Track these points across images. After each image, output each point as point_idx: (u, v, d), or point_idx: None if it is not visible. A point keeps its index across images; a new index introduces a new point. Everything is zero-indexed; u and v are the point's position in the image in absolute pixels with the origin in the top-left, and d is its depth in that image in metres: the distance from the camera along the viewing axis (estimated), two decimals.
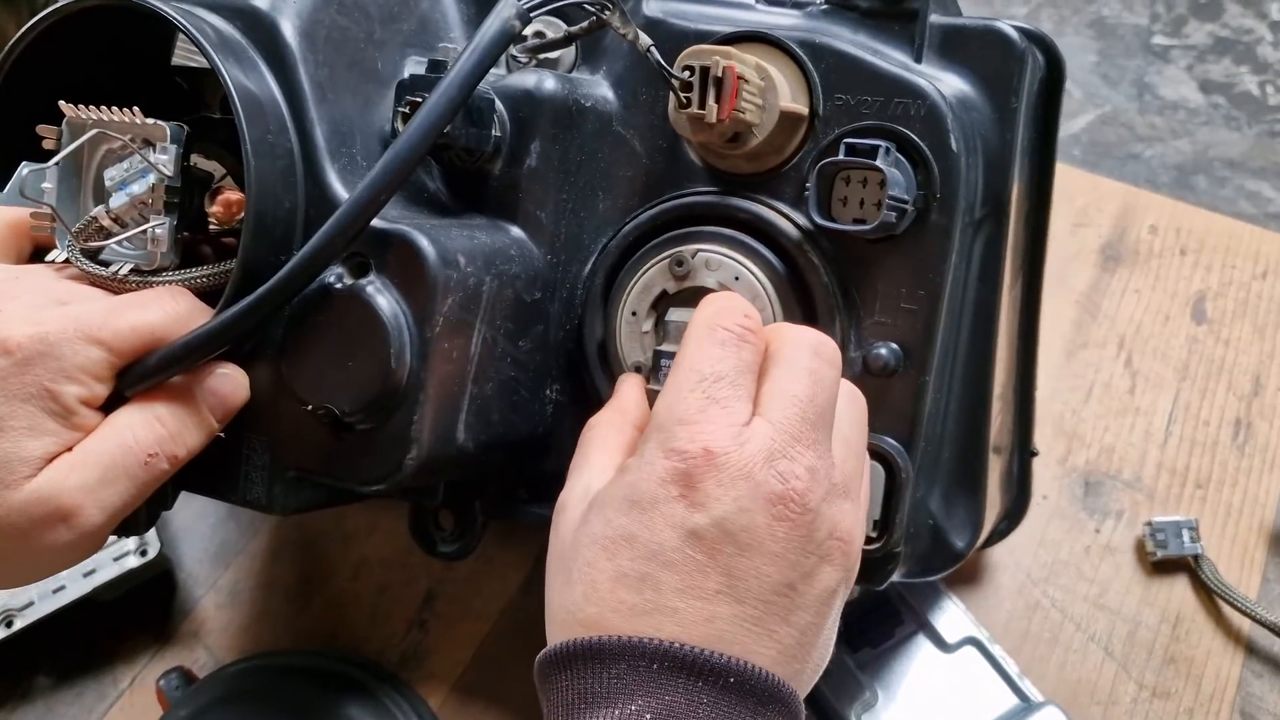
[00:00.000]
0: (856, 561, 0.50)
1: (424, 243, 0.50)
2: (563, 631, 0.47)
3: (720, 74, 0.52)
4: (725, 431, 0.47)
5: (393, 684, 0.76)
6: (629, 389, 0.56)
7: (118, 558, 0.78)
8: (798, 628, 0.47)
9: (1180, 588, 0.78)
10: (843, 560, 0.48)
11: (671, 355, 0.55)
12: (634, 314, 0.58)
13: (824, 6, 0.59)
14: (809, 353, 0.50)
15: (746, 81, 0.53)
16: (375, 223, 0.50)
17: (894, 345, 0.56)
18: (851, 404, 0.52)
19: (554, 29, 0.61)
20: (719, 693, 0.43)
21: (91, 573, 0.77)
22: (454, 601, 0.80)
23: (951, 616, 0.75)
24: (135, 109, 0.52)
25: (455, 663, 0.78)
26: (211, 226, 0.58)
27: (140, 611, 0.81)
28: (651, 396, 0.53)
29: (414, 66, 0.59)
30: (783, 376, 0.49)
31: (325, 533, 0.83)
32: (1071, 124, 1.00)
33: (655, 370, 0.56)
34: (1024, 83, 0.57)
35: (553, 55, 0.62)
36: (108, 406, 0.50)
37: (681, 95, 0.53)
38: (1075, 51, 1.04)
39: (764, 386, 0.49)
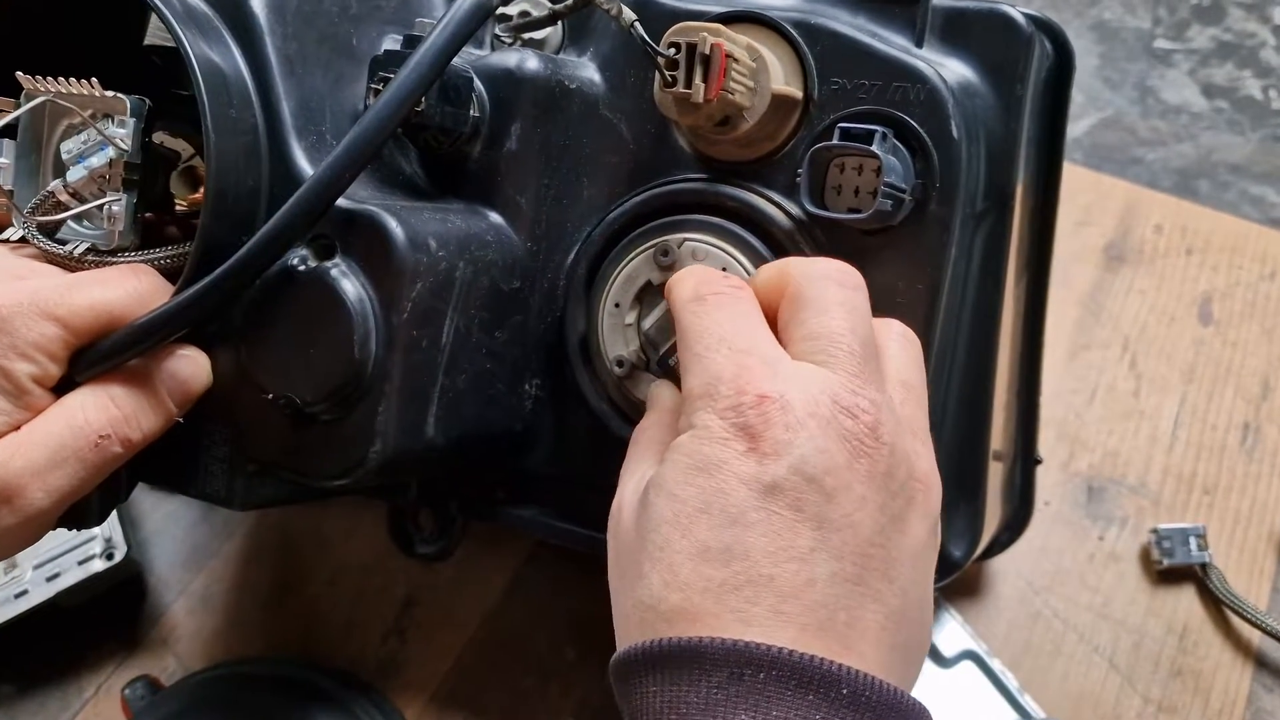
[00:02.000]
0: (939, 514, 0.46)
1: (392, 224, 0.48)
2: (642, 630, 0.43)
3: (708, 51, 0.49)
4: (774, 376, 0.43)
5: (367, 694, 0.74)
6: (665, 392, 0.52)
7: (83, 561, 0.75)
8: (900, 586, 0.43)
9: (1187, 597, 0.76)
10: (926, 507, 0.44)
11: (657, 328, 0.53)
12: (617, 305, 0.56)
13: None
14: (834, 285, 0.46)
15: (736, 61, 0.50)
16: (341, 203, 0.48)
17: (891, 320, 0.53)
18: (906, 347, 0.49)
19: (539, 8, 0.59)
20: (832, 706, 0.39)
21: (55, 576, 0.75)
22: (433, 608, 0.78)
23: (949, 629, 0.73)
24: (94, 80, 0.49)
25: (433, 672, 0.76)
26: (179, 208, 0.56)
27: (107, 617, 0.79)
28: None
29: (392, 44, 0.57)
30: (813, 316, 0.46)
31: (302, 536, 0.81)
32: (1073, 127, 0.98)
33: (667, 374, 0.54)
34: (1030, 70, 0.56)
35: (539, 35, 0.60)
36: (61, 390, 0.48)
37: (667, 73, 0.50)
38: (1077, 55, 1.03)
39: (797, 332, 0.46)
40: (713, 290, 0.47)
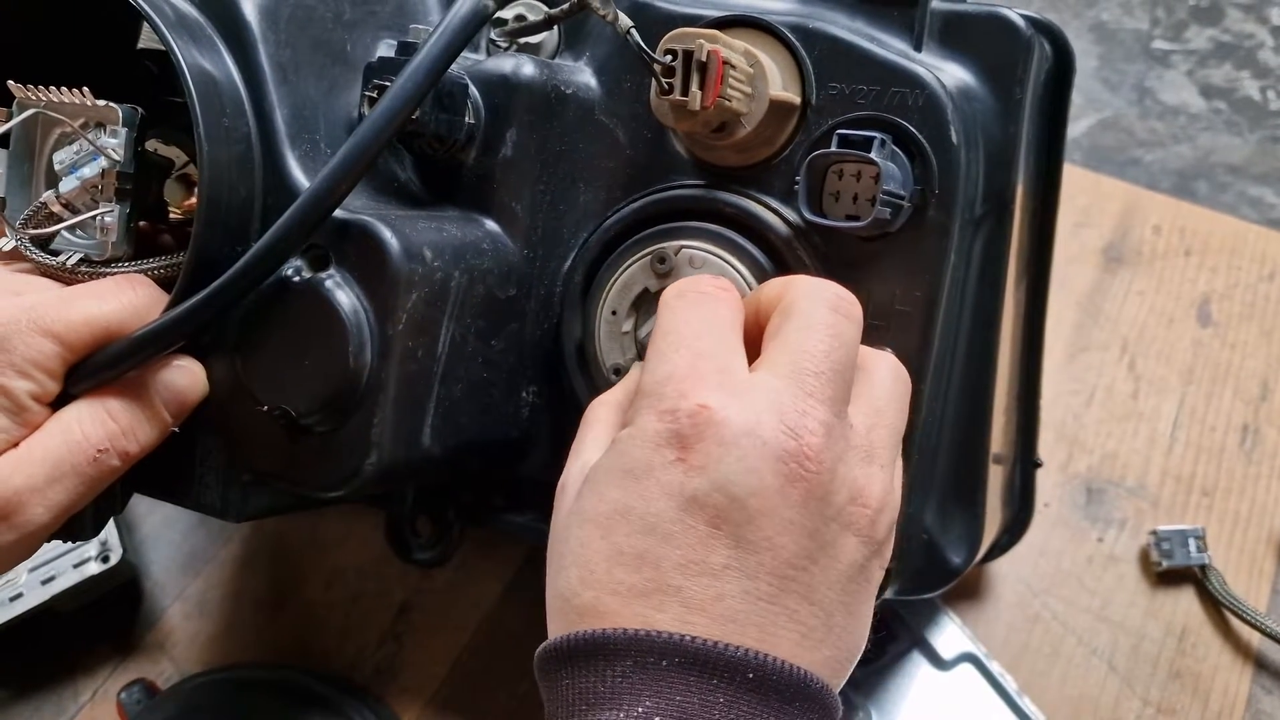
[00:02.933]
0: (888, 535, 0.45)
1: (387, 234, 0.48)
2: (561, 621, 0.43)
3: (704, 59, 0.49)
4: (721, 386, 0.43)
5: (364, 699, 0.74)
6: (635, 374, 0.51)
7: (78, 564, 0.75)
8: (822, 608, 0.42)
9: (1186, 599, 0.76)
10: (868, 529, 0.44)
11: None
12: (614, 313, 0.55)
13: None
14: (826, 307, 0.46)
15: (733, 68, 0.50)
16: (336, 213, 0.47)
17: (887, 351, 0.53)
18: (893, 380, 0.48)
19: (535, 12, 0.58)
20: (736, 691, 0.39)
21: (51, 580, 0.74)
22: (430, 612, 0.77)
23: (948, 632, 0.73)
24: (85, 90, 0.49)
25: (430, 676, 0.76)
26: (173, 215, 0.55)
27: (103, 621, 0.79)
28: None
29: (387, 50, 0.56)
30: (795, 331, 0.45)
31: (299, 541, 0.81)
32: (1072, 128, 0.98)
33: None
34: (1030, 73, 0.55)
35: (534, 40, 0.59)
36: (58, 403, 0.48)
37: (663, 81, 0.50)
38: (1075, 56, 1.03)
39: (774, 341, 0.45)
40: (695, 289, 0.47)
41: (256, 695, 0.74)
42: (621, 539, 0.42)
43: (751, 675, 0.39)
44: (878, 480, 0.45)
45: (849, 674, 0.45)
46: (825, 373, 0.44)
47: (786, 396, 0.43)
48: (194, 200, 0.54)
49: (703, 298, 0.47)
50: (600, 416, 0.49)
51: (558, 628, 0.44)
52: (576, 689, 0.40)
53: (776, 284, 0.49)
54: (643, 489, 0.42)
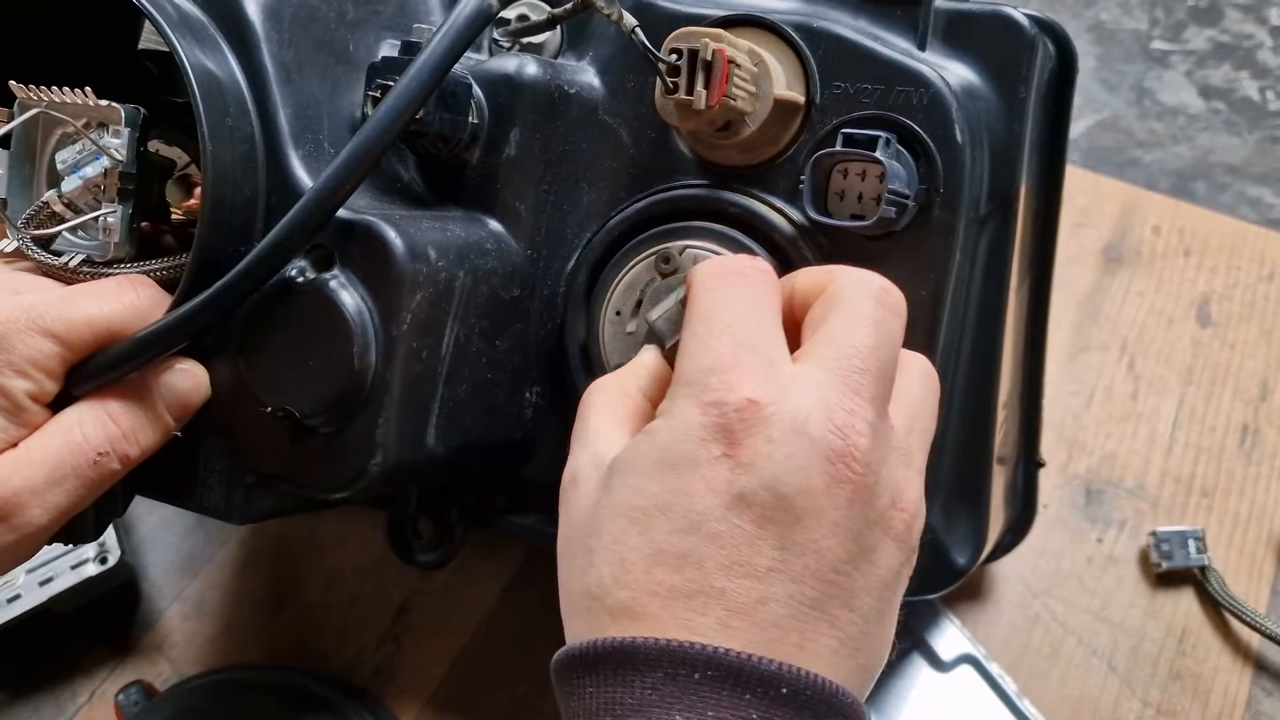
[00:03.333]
0: (917, 544, 0.44)
1: (391, 234, 0.48)
2: (586, 620, 0.41)
3: (709, 57, 0.49)
4: (768, 379, 0.41)
5: (362, 700, 0.74)
6: (647, 357, 0.49)
7: (76, 565, 0.75)
8: (861, 615, 0.41)
9: (1186, 600, 0.76)
10: (905, 534, 0.42)
11: (665, 319, 0.49)
12: (618, 313, 0.55)
13: None
14: (873, 299, 0.44)
15: (738, 66, 0.50)
16: (340, 213, 0.47)
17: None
18: (924, 382, 0.47)
19: (538, 11, 0.58)
20: (770, 706, 0.37)
21: (49, 581, 0.74)
22: (429, 613, 0.77)
23: (947, 634, 0.73)
24: (88, 90, 0.49)
25: (429, 677, 0.75)
26: (175, 216, 0.55)
27: (101, 623, 0.78)
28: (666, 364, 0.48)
29: (390, 50, 0.56)
30: (841, 323, 0.43)
31: (297, 541, 0.81)
32: (1071, 129, 0.98)
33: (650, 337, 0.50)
34: (1034, 71, 0.55)
35: (537, 39, 0.59)
36: (58, 404, 0.48)
37: (668, 80, 0.50)
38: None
39: (818, 332, 0.43)
40: (735, 270, 0.45)
41: (255, 696, 0.74)
42: (662, 536, 0.40)
43: (785, 690, 0.38)
44: (915, 484, 0.44)
45: (874, 681, 0.43)
46: (871, 370, 0.42)
47: (834, 394, 0.41)
48: (195, 201, 0.54)
49: (742, 279, 0.45)
50: (599, 403, 0.47)
51: (582, 627, 0.42)
52: (601, 698, 0.39)
53: (816, 272, 0.47)
54: (686, 484, 0.40)
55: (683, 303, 0.46)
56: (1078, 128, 0.99)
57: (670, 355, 0.48)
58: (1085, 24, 1.06)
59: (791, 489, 0.39)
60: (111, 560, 0.75)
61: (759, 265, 0.46)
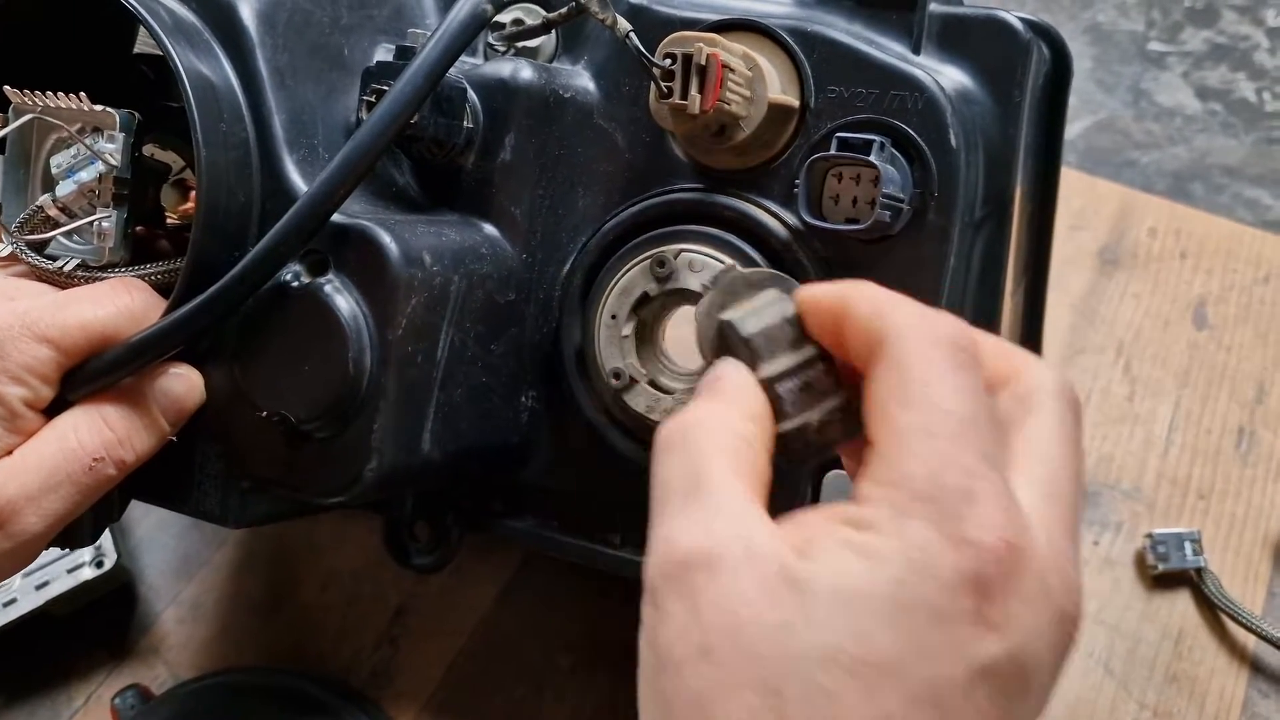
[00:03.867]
0: None
1: (386, 239, 0.48)
2: None
3: (704, 62, 0.49)
4: (1013, 513, 0.33)
5: (359, 703, 0.74)
6: (734, 376, 0.38)
7: (72, 569, 0.74)
8: None
9: (1182, 603, 0.75)
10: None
11: (766, 336, 0.38)
12: (614, 317, 0.55)
13: None
14: (1070, 408, 0.37)
15: (732, 71, 0.50)
16: (335, 217, 0.47)
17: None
18: (1065, 420, 0.38)
19: (533, 15, 0.58)
20: None
21: (44, 585, 0.74)
22: (426, 616, 0.77)
23: None
24: (82, 95, 0.49)
25: (426, 680, 0.75)
26: (169, 220, 0.55)
27: (97, 626, 0.78)
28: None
29: (384, 54, 0.56)
30: (1045, 440, 0.36)
31: (294, 544, 0.80)
32: (1067, 130, 0.98)
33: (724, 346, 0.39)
34: (1028, 75, 0.55)
35: (532, 43, 0.59)
36: (53, 408, 0.48)
37: (663, 85, 0.50)
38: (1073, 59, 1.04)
39: (1024, 443, 0.36)
40: (952, 340, 0.35)
41: (251, 700, 0.74)
42: (894, 705, 0.31)
43: None
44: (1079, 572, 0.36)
45: None
46: (1078, 504, 0.35)
47: (1060, 538, 0.34)
48: (190, 205, 0.54)
49: (963, 356, 0.35)
50: (716, 449, 0.36)
51: None
52: None
53: (836, 295, 0.38)
54: (931, 642, 0.31)
55: (792, 322, 0.38)
56: (1074, 129, 0.99)
57: (769, 383, 0.38)
58: (1082, 25, 1.06)
59: (1033, 661, 0.32)
60: (108, 564, 0.75)
61: (970, 337, 0.36)
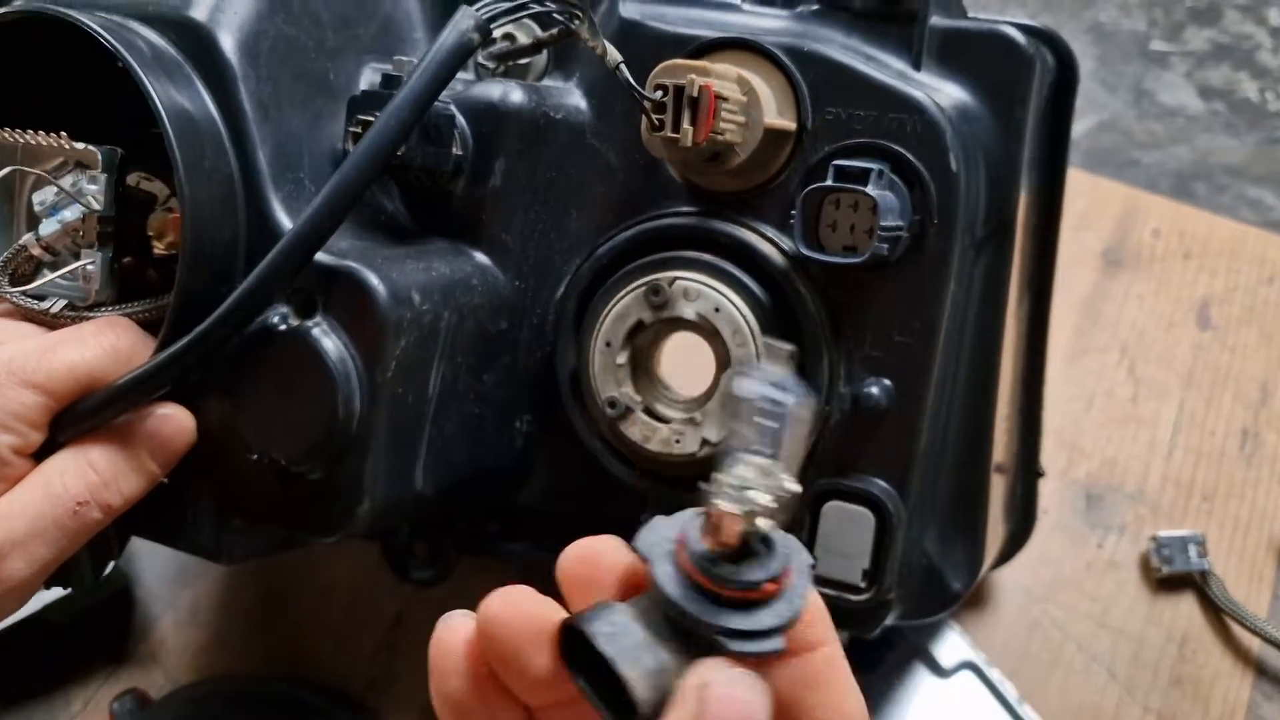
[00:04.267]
0: None
1: (374, 281, 0.47)
2: None
3: (695, 94, 0.48)
4: None
5: (357, 710, 0.74)
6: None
7: None
8: None
9: (1187, 605, 0.75)
10: None
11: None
12: (608, 344, 0.54)
13: (815, 7, 0.55)
14: None
15: (726, 100, 0.49)
16: (321, 257, 0.47)
17: (886, 382, 0.52)
18: None
19: (525, 31, 0.57)
20: None
21: (43, 590, 0.74)
22: (423, 624, 0.76)
23: (948, 640, 0.73)
24: (63, 134, 0.48)
25: (424, 688, 0.74)
26: (157, 251, 0.54)
27: (95, 632, 0.78)
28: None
29: (371, 75, 0.55)
30: None
31: (292, 552, 0.80)
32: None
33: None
34: (1031, 91, 0.54)
35: (523, 61, 0.58)
36: (44, 450, 0.48)
37: (654, 117, 0.49)
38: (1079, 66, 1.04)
39: None
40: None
41: (249, 706, 0.74)
42: None
43: None
44: None
45: None
46: None
47: None
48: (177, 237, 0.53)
49: None
50: None
51: None
52: None
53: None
54: None
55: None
56: (1077, 129, 0.97)
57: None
58: (1084, 25, 1.05)
59: None
60: (105, 570, 0.75)
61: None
